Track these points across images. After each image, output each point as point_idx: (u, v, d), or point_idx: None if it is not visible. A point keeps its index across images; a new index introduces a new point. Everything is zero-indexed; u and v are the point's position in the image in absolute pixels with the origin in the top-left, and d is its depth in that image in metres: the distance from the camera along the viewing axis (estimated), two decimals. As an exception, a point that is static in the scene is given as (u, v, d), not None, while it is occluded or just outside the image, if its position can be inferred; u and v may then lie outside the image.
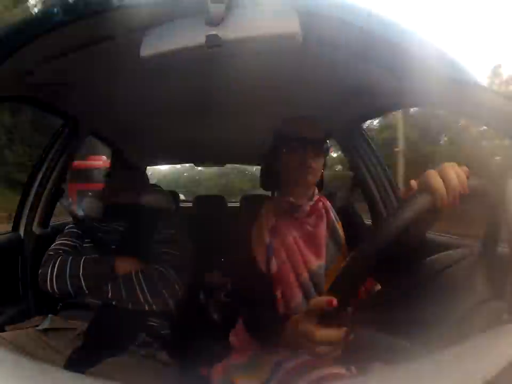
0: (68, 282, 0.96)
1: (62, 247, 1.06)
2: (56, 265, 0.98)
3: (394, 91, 0.88)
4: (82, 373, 0.76)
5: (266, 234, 0.88)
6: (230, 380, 0.81)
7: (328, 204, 0.94)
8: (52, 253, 1.03)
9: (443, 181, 0.51)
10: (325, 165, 0.96)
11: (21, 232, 1.28)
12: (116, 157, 1.24)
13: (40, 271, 1.01)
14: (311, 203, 0.90)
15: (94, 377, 0.71)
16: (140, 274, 0.96)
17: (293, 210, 0.88)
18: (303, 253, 0.85)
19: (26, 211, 1.30)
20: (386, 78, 0.75)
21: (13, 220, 1.31)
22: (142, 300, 0.94)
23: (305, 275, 0.83)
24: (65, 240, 1.08)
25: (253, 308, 0.84)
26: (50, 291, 0.98)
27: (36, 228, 1.29)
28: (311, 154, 0.87)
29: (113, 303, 0.94)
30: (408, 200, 0.48)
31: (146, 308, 0.94)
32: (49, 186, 1.32)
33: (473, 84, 0.59)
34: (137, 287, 0.94)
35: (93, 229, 1.10)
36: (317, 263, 0.84)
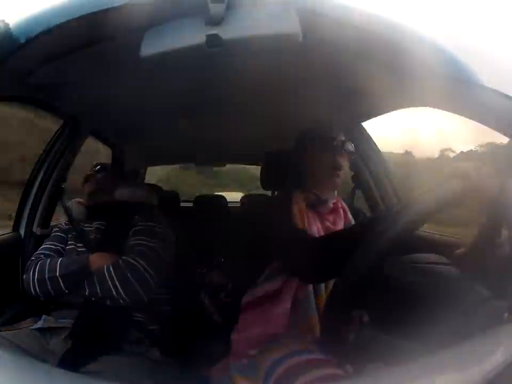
0: (48, 284, 0.97)
1: (44, 251, 1.07)
2: (37, 269, 1.00)
3: (394, 91, 0.88)
4: (75, 371, 0.76)
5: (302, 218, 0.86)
6: (230, 379, 0.82)
7: (345, 205, 0.96)
8: (33, 258, 1.05)
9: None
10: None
11: (22, 232, 1.29)
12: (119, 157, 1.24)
13: (24, 276, 1.02)
14: (334, 201, 0.92)
15: (89, 375, 0.71)
16: (110, 267, 0.96)
17: (319, 204, 0.89)
18: None
19: (26, 211, 1.30)
20: (386, 78, 0.75)
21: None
22: (115, 293, 0.93)
23: None
24: (48, 244, 1.10)
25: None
26: (35, 294, 0.99)
27: (36, 228, 1.30)
28: (340, 155, 0.88)
29: (92, 299, 0.94)
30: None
31: (121, 302, 0.93)
32: (49, 186, 1.32)
33: (473, 83, 0.59)
34: (109, 281, 0.94)
35: (77, 231, 1.11)
36: None
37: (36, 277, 0.98)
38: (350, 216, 0.94)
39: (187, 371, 0.94)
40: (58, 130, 1.31)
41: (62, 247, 1.09)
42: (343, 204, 0.96)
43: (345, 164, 0.90)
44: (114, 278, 0.94)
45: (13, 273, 1.22)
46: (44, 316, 0.95)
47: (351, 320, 0.48)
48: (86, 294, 0.94)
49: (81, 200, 1.21)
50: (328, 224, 0.89)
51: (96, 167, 1.18)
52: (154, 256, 1.01)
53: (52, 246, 1.09)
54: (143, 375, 0.81)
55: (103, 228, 1.12)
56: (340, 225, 0.90)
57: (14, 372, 0.35)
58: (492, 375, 0.34)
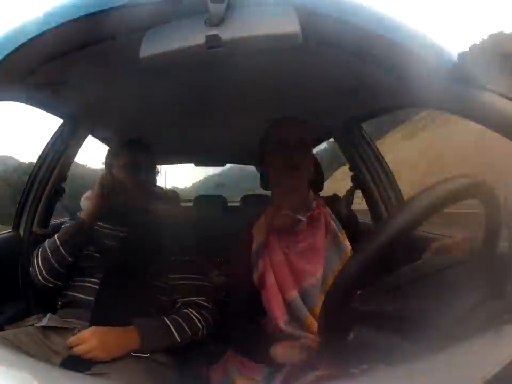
0: (53, 261, 0.96)
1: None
2: (38, 254, 1.00)
3: (394, 91, 0.88)
4: (80, 372, 0.76)
5: (254, 252, 0.85)
6: (230, 379, 0.82)
7: (327, 210, 0.90)
8: (35, 250, 1.04)
9: None
10: (316, 165, 0.94)
11: (21, 231, 1.29)
12: (114, 156, 1.15)
13: (30, 270, 1.02)
14: (308, 214, 0.86)
15: (91, 377, 0.71)
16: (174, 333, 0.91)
17: (291, 226, 0.85)
18: (295, 270, 0.83)
19: (26, 211, 1.30)
20: (386, 78, 0.75)
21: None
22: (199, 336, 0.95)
23: (294, 295, 0.80)
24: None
25: (244, 325, 0.84)
26: (45, 281, 0.98)
27: (36, 228, 1.30)
28: (295, 153, 0.85)
29: (106, 301, 0.92)
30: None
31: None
32: (49, 186, 1.32)
33: (473, 84, 0.59)
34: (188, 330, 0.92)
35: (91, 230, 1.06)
36: (310, 279, 0.81)
37: (40, 260, 0.98)
38: (333, 222, 0.88)
39: (187, 371, 0.94)
40: (58, 130, 1.31)
41: None
42: (326, 210, 0.89)
43: (304, 161, 0.86)
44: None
45: (12, 272, 1.22)
46: (48, 314, 0.94)
47: (350, 319, 0.48)
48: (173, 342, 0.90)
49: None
50: (304, 242, 0.84)
51: (138, 165, 1.07)
52: (208, 291, 1.02)
53: None
54: (147, 376, 0.80)
55: (122, 235, 1.05)
56: (320, 238, 0.84)
57: (13, 370, 0.35)
58: (491, 375, 0.34)
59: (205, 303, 0.98)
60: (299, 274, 0.82)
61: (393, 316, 0.48)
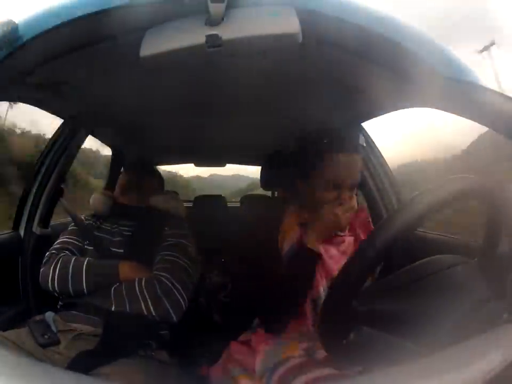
0: (70, 284, 0.95)
1: (66, 246, 1.05)
2: (58, 265, 0.97)
3: (394, 91, 0.87)
4: (85, 373, 0.76)
5: (291, 241, 0.83)
6: (230, 379, 0.82)
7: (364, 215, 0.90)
8: (54, 251, 1.02)
9: None
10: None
11: (21, 232, 1.29)
12: (119, 157, 1.18)
13: (42, 269, 1.00)
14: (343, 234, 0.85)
15: (93, 377, 0.71)
16: (143, 283, 0.93)
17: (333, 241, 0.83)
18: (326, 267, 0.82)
19: (26, 211, 1.30)
20: (386, 78, 0.75)
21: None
22: (145, 311, 0.90)
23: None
24: (68, 238, 1.07)
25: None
26: (51, 290, 0.98)
27: (36, 228, 1.29)
28: (347, 195, 0.80)
29: (117, 310, 0.91)
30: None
31: (150, 318, 0.91)
32: (49, 186, 1.32)
33: (473, 84, 0.59)
34: (140, 298, 0.91)
35: (95, 229, 1.08)
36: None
37: (57, 273, 0.96)
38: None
39: (187, 371, 0.94)
40: (58, 130, 1.31)
41: (83, 243, 1.06)
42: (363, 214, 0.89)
43: (354, 198, 0.82)
44: (146, 295, 0.91)
45: (12, 272, 1.22)
46: (52, 315, 0.94)
47: (350, 319, 0.48)
48: (113, 304, 0.91)
49: (110, 192, 1.17)
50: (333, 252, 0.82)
51: (137, 164, 1.12)
52: (186, 276, 0.98)
53: (74, 241, 1.06)
54: (148, 376, 0.80)
55: (127, 233, 1.07)
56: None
57: (14, 371, 0.35)
58: (491, 375, 0.34)
59: (163, 278, 0.94)
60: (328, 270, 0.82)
61: (393, 316, 0.48)
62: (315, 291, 0.81)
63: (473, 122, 0.62)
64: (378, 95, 1.01)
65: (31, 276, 1.23)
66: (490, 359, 0.38)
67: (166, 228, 1.07)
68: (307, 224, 0.83)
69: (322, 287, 0.81)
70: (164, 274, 0.95)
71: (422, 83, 0.62)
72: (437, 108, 0.79)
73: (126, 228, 1.09)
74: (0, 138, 7.21)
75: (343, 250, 0.83)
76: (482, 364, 0.37)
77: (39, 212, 1.31)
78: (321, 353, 0.73)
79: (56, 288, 0.96)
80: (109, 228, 1.09)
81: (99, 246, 1.04)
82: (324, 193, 0.81)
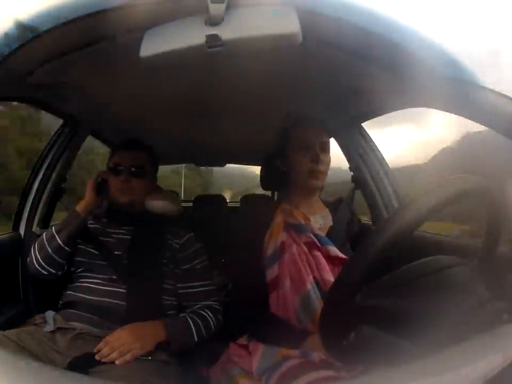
0: (48, 248, 0.99)
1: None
2: (35, 244, 1.03)
3: (394, 91, 0.88)
4: (85, 373, 0.76)
5: (270, 256, 0.87)
6: (230, 379, 0.82)
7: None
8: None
9: None
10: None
11: (21, 232, 1.28)
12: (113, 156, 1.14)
13: (27, 261, 1.04)
14: (322, 222, 0.91)
15: (93, 377, 0.71)
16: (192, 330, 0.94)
17: (295, 228, 0.88)
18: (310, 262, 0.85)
19: (26, 211, 1.30)
20: (386, 78, 0.75)
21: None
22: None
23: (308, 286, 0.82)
24: None
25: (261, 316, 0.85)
26: (39, 268, 1.01)
27: (36, 228, 1.29)
28: (321, 155, 0.88)
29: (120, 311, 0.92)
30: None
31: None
32: (49, 186, 1.32)
33: (473, 84, 0.59)
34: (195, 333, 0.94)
35: (95, 230, 1.07)
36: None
37: (37, 250, 1.02)
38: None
39: (187, 371, 0.94)
40: (58, 130, 1.31)
41: (84, 246, 1.04)
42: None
43: (326, 163, 0.90)
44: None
45: (12, 272, 1.22)
46: (53, 314, 0.93)
47: (351, 319, 0.48)
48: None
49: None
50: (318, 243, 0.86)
51: (134, 165, 1.05)
52: (218, 293, 1.06)
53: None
54: (148, 376, 0.80)
55: (127, 237, 1.04)
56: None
57: (14, 371, 0.35)
58: (491, 375, 0.34)
59: (217, 306, 1.02)
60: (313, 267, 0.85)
61: (393, 316, 0.48)
62: (302, 288, 0.81)
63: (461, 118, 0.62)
64: (378, 95, 1.01)
65: (31, 276, 1.23)
66: (490, 359, 0.38)
67: (168, 236, 1.05)
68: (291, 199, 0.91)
69: (309, 282, 0.81)
70: (212, 306, 1.01)
71: (422, 83, 0.62)
72: (437, 108, 0.79)
73: (125, 233, 1.06)
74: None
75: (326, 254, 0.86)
76: (482, 364, 0.37)
77: (39, 212, 1.31)
78: (316, 354, 0.72)
79: (41, 261, 1.00)
80: (107, 230, 1.07)
81: (101, 248, 1.02)
82: (298, 155, 0.90)
